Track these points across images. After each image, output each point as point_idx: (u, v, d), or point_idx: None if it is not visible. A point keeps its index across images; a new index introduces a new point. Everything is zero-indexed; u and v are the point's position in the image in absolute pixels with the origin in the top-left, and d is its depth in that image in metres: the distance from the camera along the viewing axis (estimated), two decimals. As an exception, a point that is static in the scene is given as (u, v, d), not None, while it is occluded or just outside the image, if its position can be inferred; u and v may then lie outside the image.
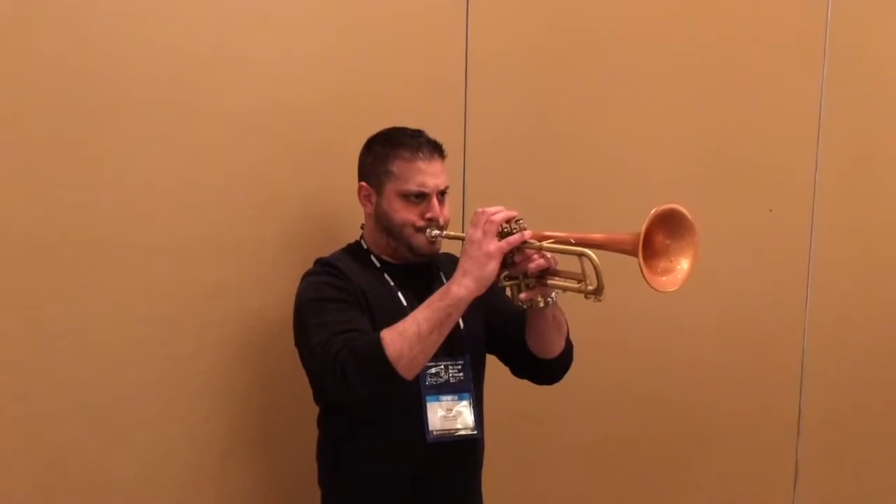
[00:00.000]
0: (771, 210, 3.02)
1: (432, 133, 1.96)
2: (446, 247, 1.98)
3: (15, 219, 1.89)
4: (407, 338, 1.66)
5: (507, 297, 1.82)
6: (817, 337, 3.16)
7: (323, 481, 1.99)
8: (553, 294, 1.79)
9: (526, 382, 2.04)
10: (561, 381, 2.02)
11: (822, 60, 3.06)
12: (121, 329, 2.01)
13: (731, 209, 2.93)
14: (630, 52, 2.71)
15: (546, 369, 1.97)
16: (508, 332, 1.98)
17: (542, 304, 1.78)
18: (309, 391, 1.93)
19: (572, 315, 1.96)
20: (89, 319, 1.98)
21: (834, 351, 3.21)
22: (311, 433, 2.01)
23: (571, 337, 1.98)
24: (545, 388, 2.04)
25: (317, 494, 2.00)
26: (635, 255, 1.58)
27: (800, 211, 3.11)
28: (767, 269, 3.05)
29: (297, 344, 1.89)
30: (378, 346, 1.66)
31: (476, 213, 1.74)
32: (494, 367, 2.05)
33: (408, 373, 1.67)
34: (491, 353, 2.04)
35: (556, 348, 1.92)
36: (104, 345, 2.00)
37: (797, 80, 3.05)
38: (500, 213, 1.72)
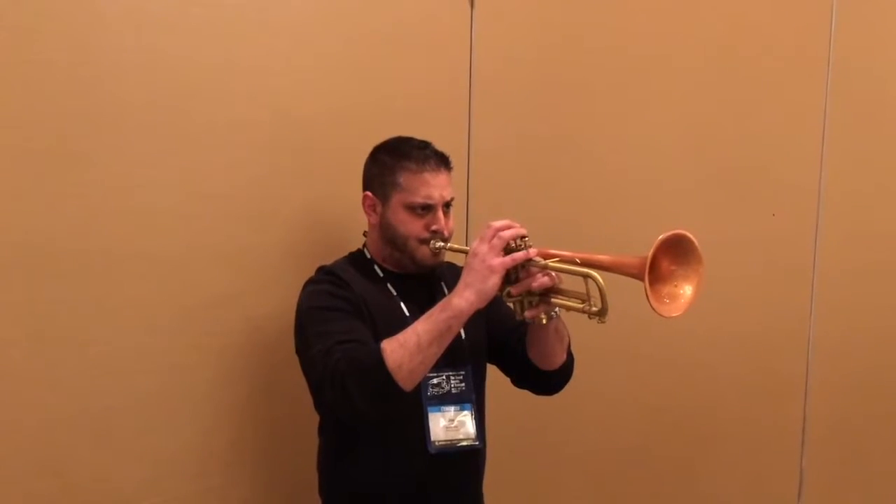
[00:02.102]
0: (774, 214, 3.01)
1: (436, 142, 1.96)
2: (449, 258, 1.99)
3: (18, 227, 1.89)
4: (407, 349, 1.66)
5: (509, 307, 1.82)
6: (822, 345, 3.16)
7: (324, 491, 1.99)
8: (556, 309, 1.79)
9: (528, 392, 2.04)
10: (564, 391, 2.02)
11: (825, 69, 3.06)
12: (123, 338, 2.01)
13: (737, 218, 2.93)
14: (635, 63, 2.72)
15: (547, 380, 1.97)
16: (510, 344, 1.98)
17: (545, 321, 1.78)
18: (311, 399, 1.93)
19: (576, 325, 1.95)
20: (92, 329, 1.98)
21: (839, 359, 3.20)
22: (313, 442, 2.01)
23: (575, 346, 1.98)
24: (548, 398, 2.04)
25: (318, 504, 2.00)
26: (641, 279, 1.59)
27: (804, 219, 3.11)
28: (772, 277, 3.05)
29: (298, 352, 1.89)
30: (378, 357, 1.66)
31: (485, 227, 1.74)
32: (497, 377, 2.05)
33: (407, 384, 1.67)
34: (492, 363, 2.04)
35: (558, 360, 1.93)
36: (107, 354, 2.00)
37: (801, 89, 3.05)
38: (508, 230, 1.71)
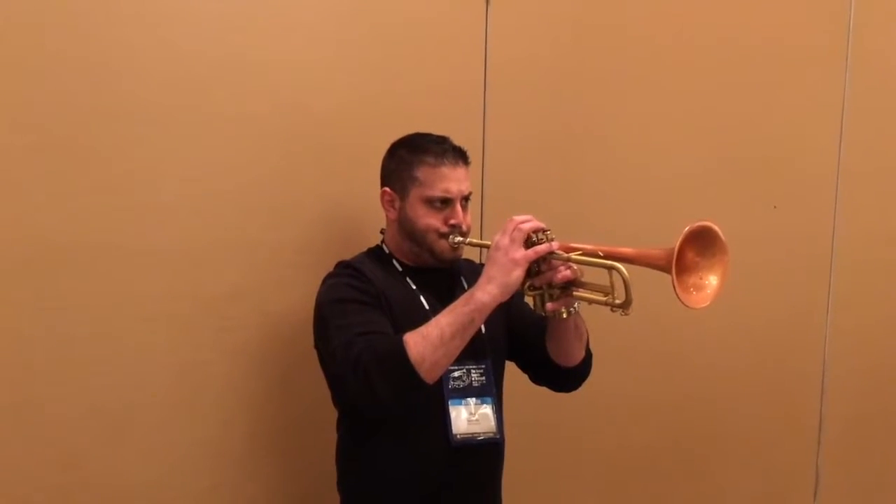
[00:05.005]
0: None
1: (451, 139, 1.95)
2: (468, 253, 1.98)
3: (33, 222, 1.89)
4: (430, 341, 1.66)
5: (528, 304, 1.81)
6: (838, 343, 3.15)
7: (342, 486, 1.98)
8: (576, 303, 1.78)
9: (546, 389, 2.03)
10: (581, 388, 2.01)
11: (844, 64, 3.05)
12: (139, 333, 2.01)
13: (753, 214, 2.93)
14: (651, 57, 2.71)
15: (565, 377, 1.97)
16: (529, 340, 1.97)
17: (565, 315, 1.78)
18: (328, 395, 1.92)
19: (594, 322, 1.95)
20: (107, 324, 1.98)
21: (855, 357, 3.19)
22: (331, 437, 2.00)
23: (592, 343, 1.98)
24: (565, 394, 2.03)
25: (336, 499, 1.99)
26: (668, 271, 1.58)
27: (822, 215, 3.09)
28: (788, 274, 3.04)
29: (317, 346, 1.88)
30: (401, 349, 1.65)
31: (507, 221, 1.73)
32: (514, 373, 2.05)
33: (430, 376, 1.67)
34: (511, 360, 2.04)
35: (577, 356, 1.92)
36: (122, 349, 1.99)
37: (820, 83, 3.04)
38: (528, 222, 1.72)
